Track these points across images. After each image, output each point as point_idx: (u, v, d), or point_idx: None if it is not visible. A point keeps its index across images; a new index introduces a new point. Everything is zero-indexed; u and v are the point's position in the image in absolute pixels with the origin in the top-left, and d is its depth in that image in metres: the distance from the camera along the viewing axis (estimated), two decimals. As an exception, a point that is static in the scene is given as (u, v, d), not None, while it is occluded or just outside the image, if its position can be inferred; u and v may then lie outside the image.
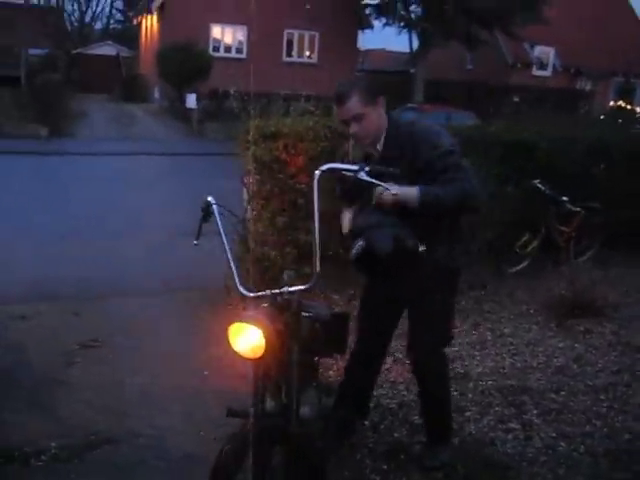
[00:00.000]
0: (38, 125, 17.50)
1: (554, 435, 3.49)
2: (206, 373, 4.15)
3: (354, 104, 2.79)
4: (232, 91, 7.51)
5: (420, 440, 3.34)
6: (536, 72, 32.64)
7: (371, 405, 3.62)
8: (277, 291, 2.48)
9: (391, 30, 28.05)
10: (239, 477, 2.29)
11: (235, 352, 2.35)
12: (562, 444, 3.41)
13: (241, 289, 2.55)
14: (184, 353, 4.42)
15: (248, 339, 2.33)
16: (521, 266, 6.36)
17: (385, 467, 3.18)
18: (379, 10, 27.36)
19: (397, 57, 34.22)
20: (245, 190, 5.62)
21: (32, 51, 27.55)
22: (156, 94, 26.41)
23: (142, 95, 27.79)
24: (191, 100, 21.17)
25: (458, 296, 5.42)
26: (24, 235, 7.44)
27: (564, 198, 6.30)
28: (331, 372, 4.10)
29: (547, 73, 33.14)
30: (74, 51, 34.11)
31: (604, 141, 6.67)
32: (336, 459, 3.16)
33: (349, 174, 2.52)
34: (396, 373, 4.15)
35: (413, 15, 27.02)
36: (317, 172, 2.49)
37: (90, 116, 21.77)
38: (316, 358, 3.14)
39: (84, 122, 20.50)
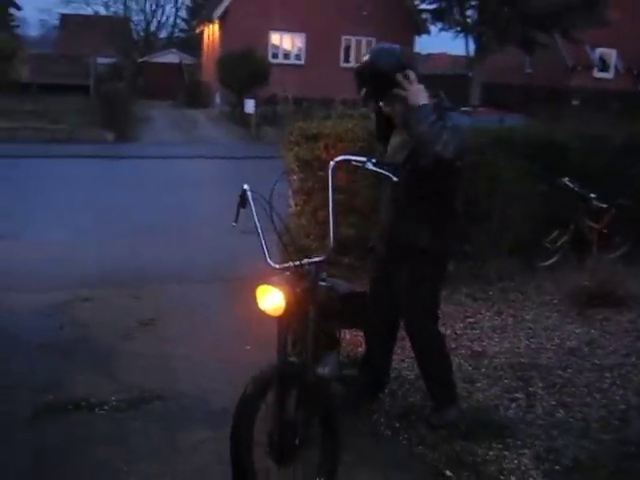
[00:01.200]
0: (105, 130, 18.51)
1: (554, 404, 3.86)
2: (248, 348, 4.64)
3: None
4: (280, 94, 8.04)
5: (431, 404, 3.75)
6: (597, 74, 32.19)
7: (392, 376, 4.07)
8: (298, 263, 2.96)
9: (449, 34, 28.08)
10: (260, 414, 2.76)
11: (261, 310, 2.85)
12: (561, 411, 3.78)
13: (269, 261, 3.04)
14: (230, 331, 4.93)
15: (271, 299, 2.83)
16: (551, 261, 6.65)
17: (397, 425, 3.62)
18: (435, 15, 27.59)
19: (458, 61, 34.26)
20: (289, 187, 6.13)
21: (100, 60, 28.89)
22: (217, 100, 27.33)
23: (204, 101, 28.79)
24: (249, 105, 21.89)
25: (487, 285, 5.85)
26: (94, 229, 8.16)
27: (592, 195, 6.56)
28: (360, 349, 4.54)
29: (609, 75, 32.63)
30: (140, 59, 35.54)
31: (636, 139, 6.89)
32: (355, 418, 3.62)
33: (359, 164, 2.99)
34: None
35: (469, 20, 27.13)
36: (332, 163, 2.97)
37: (154, 121, 22.79)
38: (337, 330, 3.63)
39: (148, 127, 21.50)
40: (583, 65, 31.48)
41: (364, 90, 3.31)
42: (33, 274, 6.19)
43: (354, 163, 3.01)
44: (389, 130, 3.55)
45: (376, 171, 2.97)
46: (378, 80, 3.25)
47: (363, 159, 2.98)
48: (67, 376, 4.14)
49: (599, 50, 32.15)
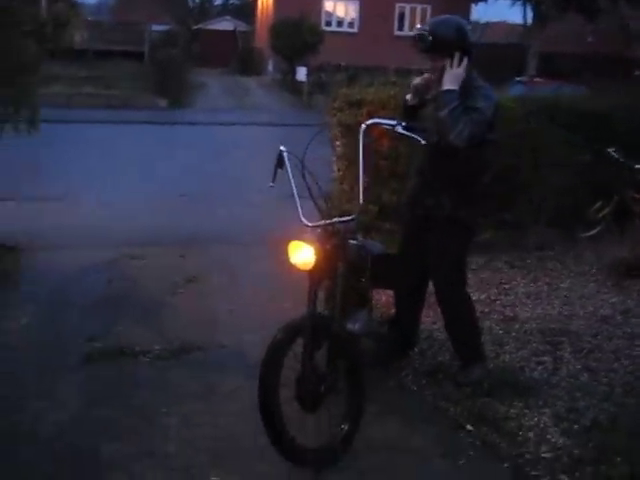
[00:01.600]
0: (159, 97, 18.87)
1: (580, 368, 3.93)
2: (286, 305, 4.82)
3: None
4: (332, 63, 8.11)
5: (458, 364, 3.87)
6: (663, 43, 31.00)
7: (423, 336, 4.20)
8: (329, 221, 3.11)
9: (506, 2, 27.44)
10: (288, 361, 2.93)
11: (292, 264, 3.01)
12: (585, 375, 3.86)
13: (303, 219, 3.19)
14: (269, 290, 5.12)
15: (302, 254, 2.99)
16: (593, 232, 6.62)
17: (424, 382, 3.76)
18: (493, -18, 26.95)
19: (517, 30, 33.44)
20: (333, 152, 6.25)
21: (155, 27, 29.24)
22: (269, 67, 27.45)
23: (256, 68, 28.95)
24: (301, 73, 21.96)
25: (525, 254, 5.89)
26: (147, 191, 8.45)
27: (637, 166, 6.49)
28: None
29: (676, 45, 31.38)
30: (194, 26, 35.81)
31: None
32: (384, 374, 3.78)
33: (389, 127, 3.11)
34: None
35: (528, -14, 26.45)
36: (363, 125, 3.10)
37: (207, 88, 23.09)
38: (369, 289, 3.77)
39: (201, 94, 21.81)
40: (648, 34, 30.34)
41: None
42: (85, 233, 6.50)
43: (384, 126, 3.13)
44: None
45: (405, 134, 3.08)
46: (440, 46, 3.38)
47: (393, 122, 3.10)
48: (114, 327, 4.41)
49: (666, 18, 30.92)
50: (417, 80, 3.61)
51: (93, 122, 14.51)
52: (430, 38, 3.37)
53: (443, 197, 3.46)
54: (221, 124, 16.18)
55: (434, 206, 3.51)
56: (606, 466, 2.98)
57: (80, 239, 6.27)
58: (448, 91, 3.32)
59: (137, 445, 3.13)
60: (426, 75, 3.57)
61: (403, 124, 3.08)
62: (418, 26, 3.59)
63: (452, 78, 3.36)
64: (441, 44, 3.37)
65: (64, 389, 3.63)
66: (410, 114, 3.61)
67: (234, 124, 16.29)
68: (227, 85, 24.81)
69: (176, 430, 3.26)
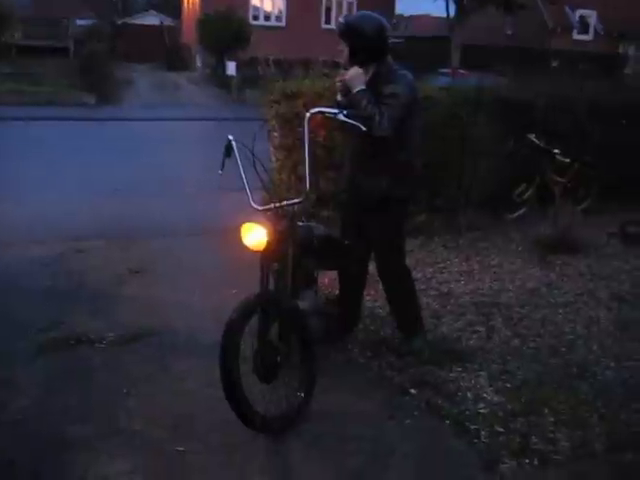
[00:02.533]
0: (86, 93, 18.54)
1: (510, 334, 4.29)
2: (234, 292, 4.99)
3: None
4: (261, 57, 8.28)
5: (399, 336, 4.15)
6: (577, 36, 32.42)
7: (365, 313, 4.47)
8: (278, 204, 3.32)
9: (429, -5, 28.06)
10: (244, 337, 3.13)
11: (245, 245, 3.21)
12: (516, 341, 4.22)
13: (252, 204, 3.39)
14: (216, 278, 5.28)
15: (255, 236, 3.19)
16: (518, 213, 7.06)
17: (369, 354, 4.02)
18: (415, -24, 27.53)
19: (441, 23, 34.27)
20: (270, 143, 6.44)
21: (79, 22, 28.56)
22: (198, 62, 27.28)
23: (185, 63, 28.72)
24: (231, 67, 21.96)
25: (457, 235, 6.21)
26: (82, 189, 8.41)
27: (556, 151, 6.95)
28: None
29: (588, 37, 32.86)
30: (119, 21, 35.13)
31: (599, 100, 7.26)
32: (331, 349, 4.02)
33: (331, 116, 3.34)
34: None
35: (449, -20, 27.07)
36: (307, 114, 3.31)
37: (135, 84, 22.81)
38: (315, 270, 3.99)
39: (129, 90, 21.54)
40: (563, 27, 31.67)
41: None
42: (28, 229, 6.48)
43: (327, 115, 3.36)
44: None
45: (347, 122, 3.31)
46: (358, 43, 3.59)
47: (335, 111, 3.34)
48: (67, 317, 4.49)
49: (579, 12, 32.32)
50: (338, 83, 3.80)
51: (20, 119, 14.18)
52: (343, 25, 3.62)
53: (379, 179, 3.70)
54: (152, 120, 16.07)
55: (372, 188, 3.75)
56: (535, 416, 3.32)
57: (23, 235, 6.25)
58: (358, 92, 3.53)
59: (101, 426, 3.26)
60: (341, 75, 3.75)
61: (345, 112, 3.31)
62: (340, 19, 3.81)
63: (356, 79, 3.56)
64: (356, 36, 3.58)
65: (22, 377, 3.71)
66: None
67: (165, 119, 16.23)
68: (156, 81, 24.57)
69: (138, 409, 3.41)
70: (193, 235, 6.59)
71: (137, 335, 4.22)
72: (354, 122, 3.32)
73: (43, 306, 4.66)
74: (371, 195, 3.79)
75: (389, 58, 3.73)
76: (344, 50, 3.65)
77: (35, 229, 6.50)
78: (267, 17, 27.09)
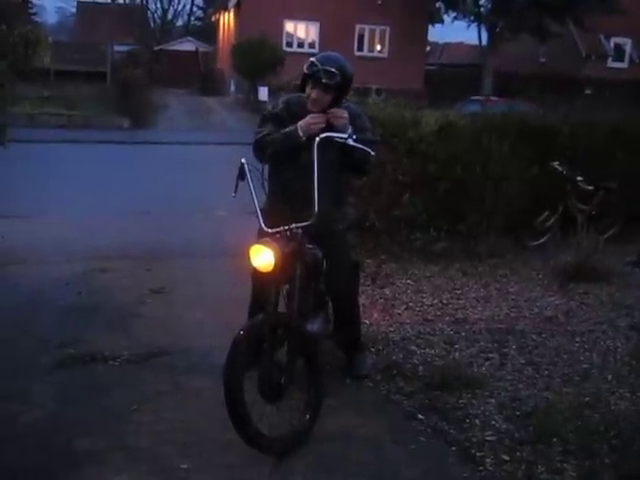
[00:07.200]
0: (121, 117, 18.96)
1: (524, 362, 4.25)
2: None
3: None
4: (293, 83, 8.38)
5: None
6: (612, 64, 32.20)
7: (378, 337, 4.48)
8: (287, 227, 3.37)
9: (463, 24, 28.24)
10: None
11: (253, 267, 3.26)
12: (529, 369, 4.18)
13: (263, 226, 3.44)
14: (233, 299, 5.31)
15: (263, 257, 3.24)
16: (541, 240, 7.01)
17: (378, 378, 4.03)
18: (448, 4, 27.75)
19: (475, 50, 34.38)
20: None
21: (117, 48, 29.31)
22: (231, 87, 27.75)
23: (219, 88, 29.23)
24: (263, 93, 22.29)
25: (478, 262, 6.22)
26: (111, 208, 8.60)
27: (579, 178, 6.90)
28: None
29: (624, 65, 32.63)
30: (156, 47, 35.98)
31: (622, 126, 7.22)
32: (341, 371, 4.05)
33: (341, 141, 3.39)
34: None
35: (482, 9, 27.25)
36: (317, 139, 3.37)
37: (169, 108, 23.25)
38: (325, 293, 4.01)
39: (164, 114, 21.95)
40: (597, 54, 31.49)
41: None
42: (54, 249, 6.63)
43: (337, 140, 3.41)
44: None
45: (356, 146, 3.36)
46: (346, 88, 3.60)
47: (344, 136, 3.39)
48: (85, 334, 4.58)
49: (614, 39, 32.14)
50: (321, 125, 3.53)
51: (56, 142, 14.56)
52: (338, 75, 3.49)
53: (335, 203, 3.70)
54: (184, 144, 16.35)
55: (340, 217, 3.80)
56: (543, 446, 3.28)
57: (49, 254, 6.41)
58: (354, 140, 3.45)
59: (110, 440, 3.31)
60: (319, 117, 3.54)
61: (354, 137, 3.37)
62: (312, 59, 3.56)
63: (345, 121, 3.50)
64: (345, 83, 3.56)
65: (38, 392, 3.79)
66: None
67: (198, 144, 16.49)
68: (189, 105, 25.02)
69: (146, 425, 3.46)
70: (218, 256, 6.66)
71: (152, 353, 4.29)
72: (363, 147, 3.37)
73: (64, 323, 4.76)
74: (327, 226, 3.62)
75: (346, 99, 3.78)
76: (319, 98, 3.52)
77: (61, 248, 6.64)
78: (300, 44, 27.49)
